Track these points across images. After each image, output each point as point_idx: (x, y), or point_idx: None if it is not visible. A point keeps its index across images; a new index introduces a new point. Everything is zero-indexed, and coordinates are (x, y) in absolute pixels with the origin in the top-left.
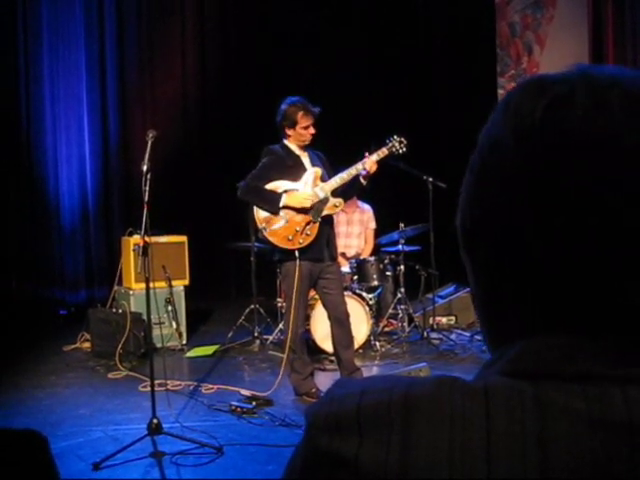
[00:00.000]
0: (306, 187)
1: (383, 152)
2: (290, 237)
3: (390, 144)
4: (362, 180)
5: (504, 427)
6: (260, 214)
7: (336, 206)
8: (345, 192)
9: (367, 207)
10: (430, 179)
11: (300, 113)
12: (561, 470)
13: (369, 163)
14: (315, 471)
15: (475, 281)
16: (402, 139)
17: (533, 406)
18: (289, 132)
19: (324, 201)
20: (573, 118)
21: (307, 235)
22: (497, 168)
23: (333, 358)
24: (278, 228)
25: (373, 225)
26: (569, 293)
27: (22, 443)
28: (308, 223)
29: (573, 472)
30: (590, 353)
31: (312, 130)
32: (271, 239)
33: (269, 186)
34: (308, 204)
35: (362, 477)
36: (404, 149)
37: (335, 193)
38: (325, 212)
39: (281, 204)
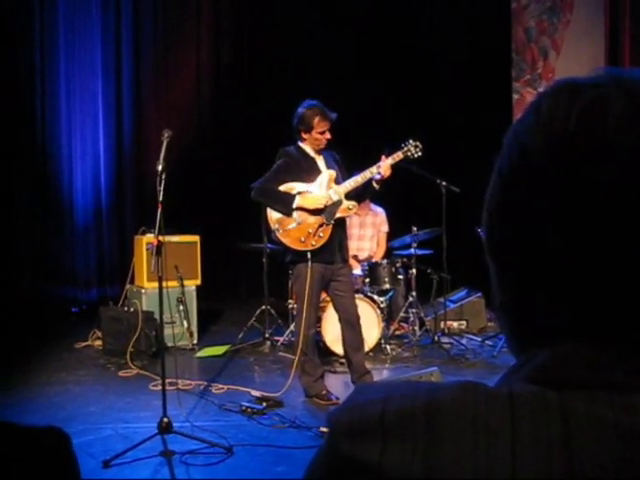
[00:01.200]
0: (320, 189)
1: (398, 156)
2: (302, 239)
3: (405, 148)
4: (375, 184)
5: (529, 434)
6: (273, 215)
7: (349, 209)
8: (358, 195)
9: (380, 210)
10: (443, 183)
11: (317, 118)
12: (586, 478)
13: (384, 167)
14: (337, 476)
15: (501, 286)
16: (418, 143)
17: (558, 414)
18: (305, 136)
19: (337, 203)
20: (608, 124)
21: (320, 237)
22: (527, 174)
23: (343, 360)
24: (291, 229)
25: (386, 228)
26: (598, 300)
27: (45, 440)
28: (321, 225)
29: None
30: (616, 362)
31: (328, 135)
32: (284, 240)
33: (283, 187)
34: (321, 206)
35: None
36: (420, 153)
37: (349, 196)
38: (338, 215)
39: (294, 205)
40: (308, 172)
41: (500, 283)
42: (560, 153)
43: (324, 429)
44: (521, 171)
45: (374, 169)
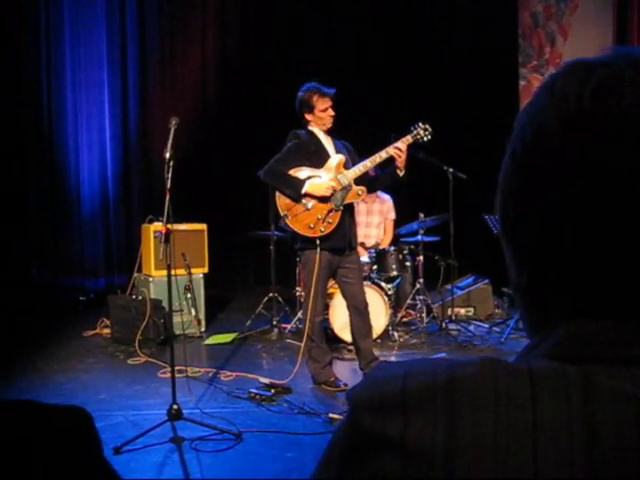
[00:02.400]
0: (329, 174)
1: (407, 140)
2: (312, 225)
3: (415, 132)
4: (399, 172)
5: (550, 409)
6: (282, 201)
7: (359, 194)
8: (379, 181)
9: (387, 197)
10: (450, 170)
11: (315, 96)
12: (608, 452)
13: (400, 147)
14: (359, 451)
15: (516, 267)
16: (427, 126)
17: (579, 389)
18: (309, 118)
19: (347, 189)
20: (622, 101)
21: (329, 223)
22: (542, 154)
23: (351, 347)
24: (300, 215)
25: (393, 215)
26: (616, 276)
27: (68, 419)
28: (330, 211)
29: (620, 454)
30: (636, 337)
31: (331, 112)
32: (293, 227)
33: (292, 171)
34: (330, 192)
35: (408, 456)
36: (429, 137)
37: (358, 181)
38: (347, 200)
39: (303, 191)
40: (317, 156)
41: (516, 264)
42: (574, 131)
43: (333, 415)
44: (535, 151)
45: (383, 153)
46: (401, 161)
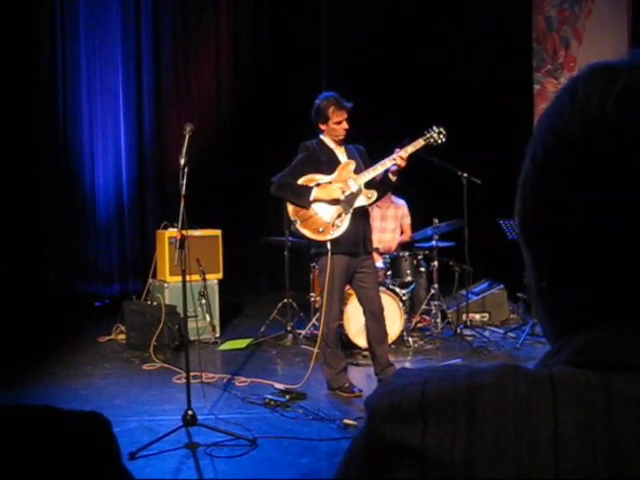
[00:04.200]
0: (339, 179)
1: (419, 143)
2: (321, 229)
3: (428, 135)
4: (391, 176)
5: (572, 417)
6: (291, 207)
7: (369, 197)
8: (382, 186)
9: (402, 202)
10: (465, 174)
11: (332, 108)
12: (631, 460)
13: (403, 155)
14: (377, 460)
15: (537, 272)
16: (442, 129)
17: (601, 396)
18: (323, 127)
19: (356, 193)
20: None
21: (337, 227)
22: (563, 159)
23: (366, 353)
24: (309, 220)
25: (408, 220)
26: (637, 284)
27: (88, 424)
28: (339, 215)
29: None
30: None
31: (345, 125)
32: (303, 232)
33: (303, 180)
34: (339, 196)
35: (427, 465)
36: (443, 139)
37: (369, 185)
38: (357, 204)
39: (312, 197)
40: (328, 164)
41: (535, 269)
42: (598, 136)
43: (348, 421)
44: (557, 156)
45: (394, 157)
46: (399, 166)
